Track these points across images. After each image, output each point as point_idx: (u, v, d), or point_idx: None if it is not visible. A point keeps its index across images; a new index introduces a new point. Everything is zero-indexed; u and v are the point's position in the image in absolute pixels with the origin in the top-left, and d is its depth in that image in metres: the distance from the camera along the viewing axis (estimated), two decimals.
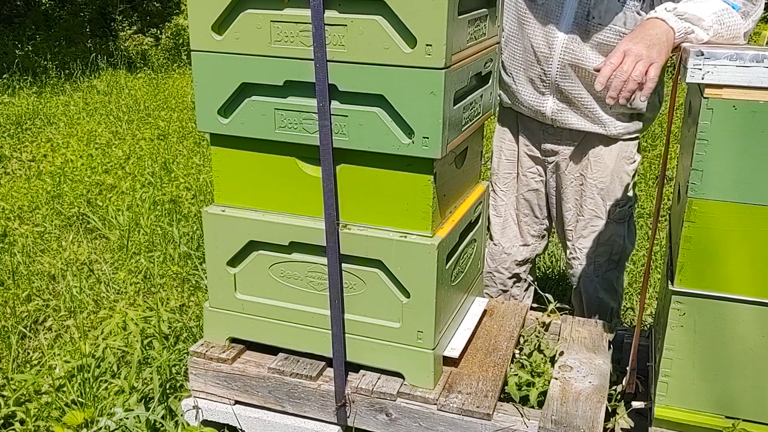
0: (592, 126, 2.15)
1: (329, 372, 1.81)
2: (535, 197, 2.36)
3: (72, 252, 3.49)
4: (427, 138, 1.57)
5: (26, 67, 7.48)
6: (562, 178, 2.27)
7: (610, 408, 1.77)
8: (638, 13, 1.96)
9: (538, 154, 2.30)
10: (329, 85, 1.60)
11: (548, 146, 2.25)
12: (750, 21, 1.78)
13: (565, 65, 2.07)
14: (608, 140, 2.18)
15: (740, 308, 1.53)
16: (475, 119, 1.83)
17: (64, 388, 2.24)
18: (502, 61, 2.24)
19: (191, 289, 3.06)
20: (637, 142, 2.23)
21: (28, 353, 2.60)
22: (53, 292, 3.09)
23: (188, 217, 3.93)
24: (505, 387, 1.79)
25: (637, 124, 2.17)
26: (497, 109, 2.37)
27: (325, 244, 1.71)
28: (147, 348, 2.40)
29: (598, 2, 1.98)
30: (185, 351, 2.34)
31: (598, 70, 1.70)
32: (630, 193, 2.26)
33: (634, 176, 2.26)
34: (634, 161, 2.23)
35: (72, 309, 2.89)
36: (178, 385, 2.25)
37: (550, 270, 3.47)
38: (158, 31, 10.07)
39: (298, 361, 1.85)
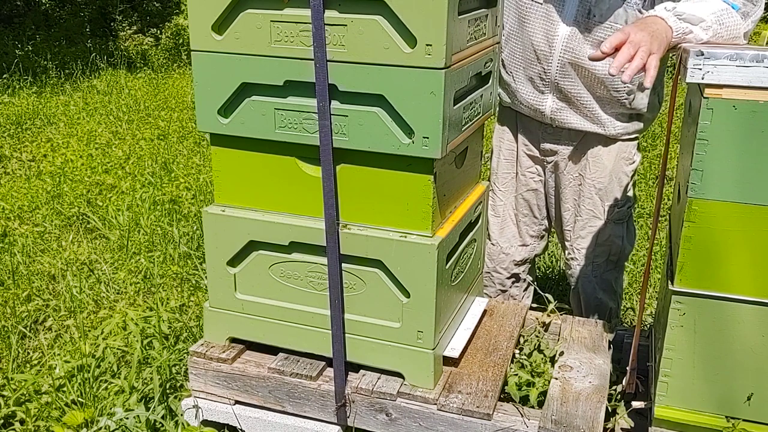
0: (591, 126, 2.15)
1: (329, 372, 1.81)
2: (534, 197, 2.36)
3: (72, 252, 3.49)
4: (427, 138, 1.57)
5: (26, 67, 7.48)
6: (560, 178, 2.27)
7: (610, 408, 1.77)
8: (639, 11, 1.96)
9: (537, 154, 2.30)
10: (329, 85, 1.60)
11: (547, 146, 2.25)
12: (750, 21, 1.78)
13: (565, 64, 2.06)
14: (607, 140, 2.18)
15: (740, 308, 1.53)
16: (475, 119, 1.83)
17: (64, 388, 2.24)
18: (502, 60, 2.23)
19: (191, 289, 3.06)
20: (636, 142, 2.23)
21: (28, 353, 2.60)
22: (53, 292, 3.09)
23: (188, 217, 3.93)
24: (505, 387, 1.79)
25: (637, 125, 2.17)
26: (497, 108, 2.37)
27: (325, 244, 1.71)
28: (147, 348, 2.40)
29: (599, 0, 1.98)
30: (185, 351, 2.34)
31: (592, 59, 1.68)
32: (629, 194, 2.25)
33: (633, 177, 2.25)
34: (633, 162, 2.23)
35: (72, 309, 2.89)
36: (178, 385, 2.25)
37: (550, 270, 3.47)
38: (158, 31, 10.07)
39: (298, 361, 1.85)
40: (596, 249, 2.29)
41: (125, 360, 2.41)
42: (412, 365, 1.75)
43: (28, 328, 2.75)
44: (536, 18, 2.07)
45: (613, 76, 1.64)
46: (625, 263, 2.41)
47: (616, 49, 1.63)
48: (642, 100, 2.11)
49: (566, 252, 2.36)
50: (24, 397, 2.22)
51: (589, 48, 2.02)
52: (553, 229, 2.46)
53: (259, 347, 1.91)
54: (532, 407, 1.74)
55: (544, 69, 2.11)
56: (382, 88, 1.56)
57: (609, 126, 2.14)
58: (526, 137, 2.30)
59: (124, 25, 9.99)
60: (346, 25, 1.54)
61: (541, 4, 2.05)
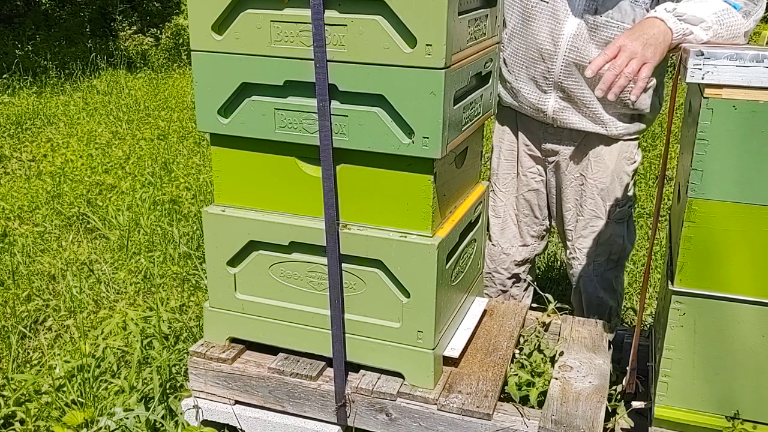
0: (593, 126, 2.14)
1: (329, 372, 1.81)
2: (535, 197, 2.36)
3: (72, 252, 3.49)
4: (427, 138, 1.57)
5: (26, 67, 7.48)
6: (562, 178, 2.27)
7: (610, 408, 1.77)
8: (647, 10, 1.95)
9: (539, 154, 2.29)
10: (329, 85, 1.60)
11: (548, 146, 2.25)
12: (751, 20, 1.77)
13: (570, 63, 2.06)
14: (609, 140, 2.18)
15: (740, 308, 1.53)
16: (475, 119, 1.83)
17: (64, 388, 2.24)
18: (504, 59, 2.23)
19: (191, 289, 3.06)
20: (637, 142, 2.23)
21: (28, 353, 2.60)
22: (53, 292, 3.09)
23: (188, 217, 3.93)
24: (505, 387, 1.79)
25: (638, 125, 2.17)
26: (497, 108, 2.37)
27: (325, 244, 1.71)
28: (147, 348, 2.40)
29: None
30: (185, 351, 2.34)
31: (588, 76, 1.71)
32: (630, 193, 2.26)
33: (634, 176, 2.25)
34: (635, 161, 2.23)
35: (72, 309, 2.89)
36: (178, 385, 2.25)
37: (550, 270, 3.47)
38: (158, 31, 10.07)
39: (298, 361, 1.85)
40: (597, 248, 2.29)
41: (125, 360, 2.41)
42: (412, 365, 1.75)
43: (28, 328, 2.75)
44: (542, 16, 2.07)
45: (599, 98, 1.66)
46: (625, 263, 2.41)
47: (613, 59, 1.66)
48: (644, 101, 2.11)
49: (567, 251, 2.36)
50: (24, 397, 2.22)
51: (595, 47, 2.01)
52: (553, 229, 2.46)
53: (259, 347, 1.91)
54: (532, 407, 1.74)
55: (548, 68, 2.10)
56: (382, 88, 1.56)
57: (611, 126, 2.14)
58: (527, 137, 2.30)
59: (124, 25, 9.99)
60: (346, 25, 1.54)
61: (548, 2, 2.04)
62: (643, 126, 2.18)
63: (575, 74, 2.08)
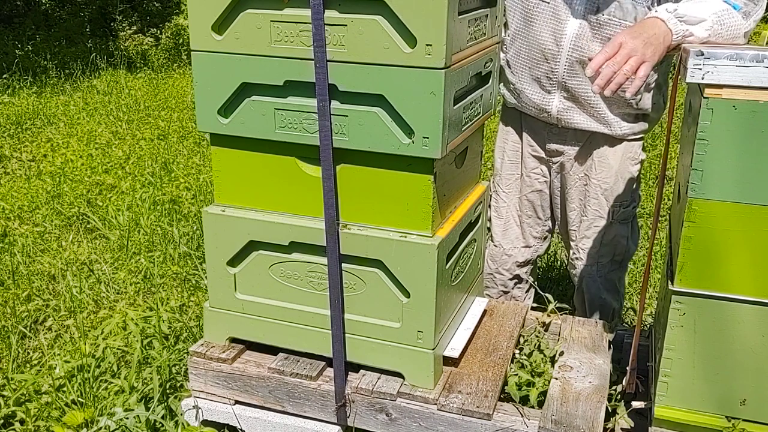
0: (598, 126, 2.14)
1: (329, 372, 1.81)
2: (538, 198, 2.36)
3: (72, 252, 3.49)
4: (427, 138, 1.57)
5: (26, 67, 7.48)
6: (566, 179, 2.26)
7: (610, 408, 1.77)
8: (648, 8, 1.95)
9: (543, 155, 2.29)
10: (329, 85, 1.60)
11: (553, 146, 2.25)
12: (751, 21, 1.77)
13: (573, 63, 2.06)
14: (613, 140, 2.17)
15: (740, 308, 1.53)
16: (475, 119, 1.83)
17: (64, 388, 2.24)
18: (507, 60, 2.23)
19: (191, 289, 3.06)
20: (641, 142, 2.23)
21: (28, 353, 2.60)
22: (53, 292, 3.09)
23: (188, 217, 3.93)
24: (505, 387, 1.79)
25: (643, 125, 2.17)
26: (499, 109, 2.37)
27: (325, 244, 1.71)
28: (147, 348, 2.40)
29: None
30: (185, 351, 2.34)
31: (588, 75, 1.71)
32: (634, 194, 2.25)
33: (638, 176, 2.25)
34: (639, 162, 2.23)
35: (72, 309, 2.89)
36: (178, 385, 2.25)
37: (551, 270, 3.47)
38: (158, 31, 10.07)
39: (298, 361, 1.85)
40: (601, 249, 2.29)
41: (125, 360, 2.41)
42: (412, 365, 1.75)
43: (28, 328, 2.75)
44: (543, 17, 2.06)
45: (596, 93, 1.67)
46: (628, 263, 2.41)
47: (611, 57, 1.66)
48: (648, 101, 2.11)
49: (571, 252, 2.36)
50: (24, 397, 2.22)
51: (598, 46, 2.00)
52: (556, 230, 2.46)
53: (259, 347, 1.91)
54: (532, 407, 1.74)
55: (551, 68, 2.10)
56: (382, 88, 1.56)
57: (615, 126, 2.13)
58: (532, 138, 2.30)
59: (124, 25, 9.99)
60: (346, 25, 1.54)
61: (548, 3, 2.04)
62: (646, 126, 2.18)
63: (579, 73, 2.07)
